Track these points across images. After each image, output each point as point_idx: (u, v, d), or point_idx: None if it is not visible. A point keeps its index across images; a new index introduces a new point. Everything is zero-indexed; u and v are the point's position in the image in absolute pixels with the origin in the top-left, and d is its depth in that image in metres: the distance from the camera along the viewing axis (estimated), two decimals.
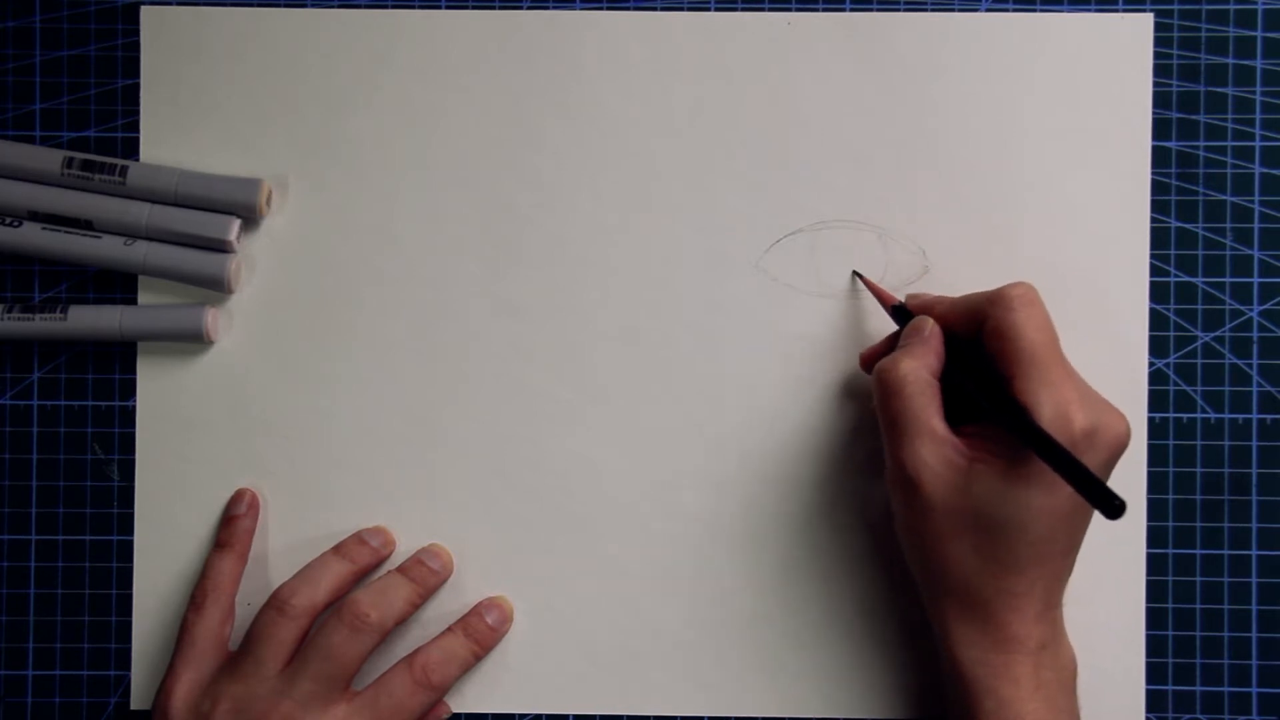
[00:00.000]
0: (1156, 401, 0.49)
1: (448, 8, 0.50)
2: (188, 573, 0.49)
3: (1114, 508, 0.38)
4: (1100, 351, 0.49)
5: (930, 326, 0.45)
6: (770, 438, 0.49)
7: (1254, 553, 0.49)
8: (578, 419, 0.49)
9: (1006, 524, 0.42)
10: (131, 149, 0.50)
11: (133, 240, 0.48)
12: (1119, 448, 0.43)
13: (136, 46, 0.50)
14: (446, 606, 0.49)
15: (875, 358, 0.47)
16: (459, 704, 0.49)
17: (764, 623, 0.49)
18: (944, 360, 0.45)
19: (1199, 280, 0.49)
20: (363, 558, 0.48)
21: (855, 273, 0.49)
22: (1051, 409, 0.41)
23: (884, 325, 0.48)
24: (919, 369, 0.44)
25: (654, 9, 0.49)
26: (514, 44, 0.49)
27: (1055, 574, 0.43)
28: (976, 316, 0.44)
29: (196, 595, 0.48)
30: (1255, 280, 0.49)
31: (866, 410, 0.49)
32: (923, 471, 0.43)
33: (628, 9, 0.49)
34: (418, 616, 0.49)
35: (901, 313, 0.47)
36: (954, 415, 0.44)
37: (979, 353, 0.44)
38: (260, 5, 0.50)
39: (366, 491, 0.49)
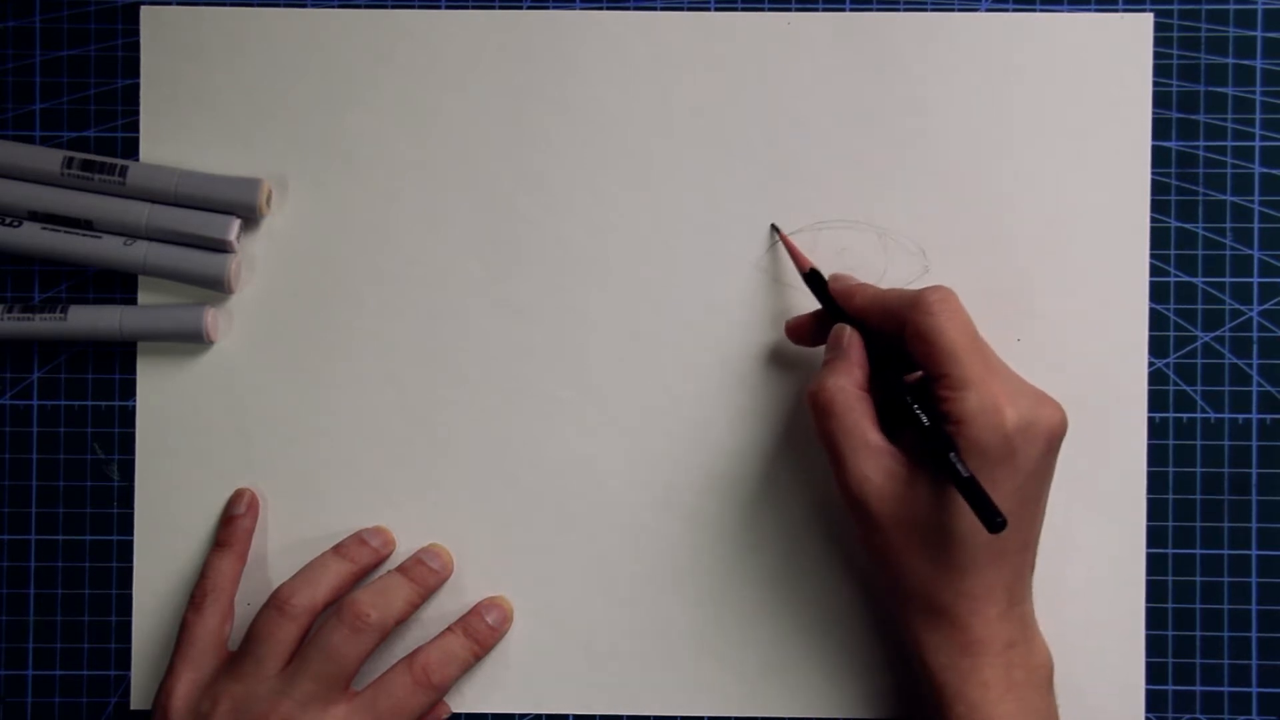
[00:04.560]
0: (1156, 401, 0.49)
1: (448, 8, 0.50)
2: (188, 573, 0.49)
3: (995, 524, 0.39)
4: (1100, 351, 0.49)
5: (848, 336, 0.45)
6: (770, 438, 0.49)
7: (1254, 553, 0.49)
8: (577, 419, 0.49)
9: (952, 527, 0.42)
10: (131, 149, 0.50)
11: (133, 240, 0.48)
12: (1056, 437, 0.43)
13: (136, 46, 0.50)
14: (446, 606, 0.49)
15: (801, 328, 0.48)
16: (459, 704, 0.49)
17: (764, 623, 0.49)
18: (868, 369, 0.45)
19: (1199, 280, 0.49)
20: (363, 558, 0.48)
21: (773, 226, 0.49)
22: (980, 408, 0.41)
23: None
24: (845, 385, 0.44)
25: (654, 9, 0.49)
26: (514, 44, 0.49)
27: (1014, 571, 0.43)
28: (896, 318, 0.44)
29: (196, 595, 0.48)
30: (1255, 280, 0.49)
31: None
32: (866, 487, 0.43)
33: (628, 9, 0.49)
34: (418, 616, 0.49)
35: (814, 279, 0.47)
36: (890, 421, 0.44)
37: (897, 353, 0.44)
38: (260, 5, 0.50)
39: (366, 491, 0.49)
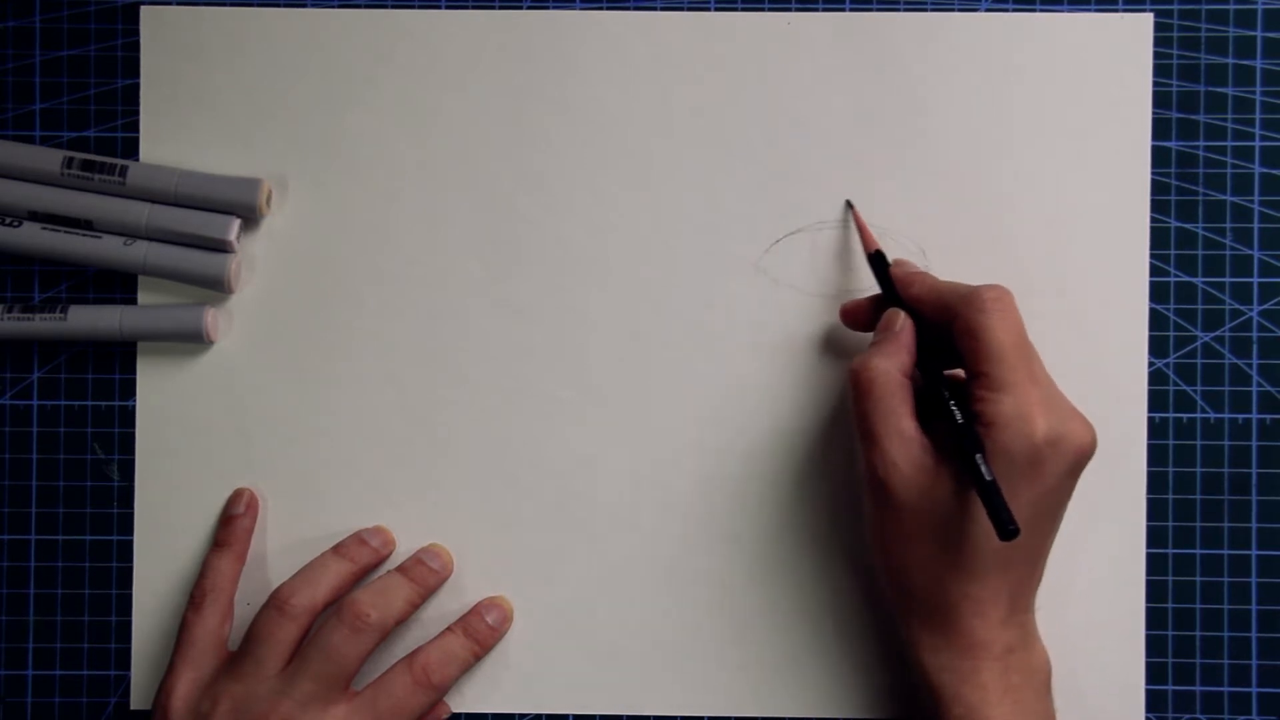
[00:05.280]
0: (1156, 401, 0.49)
1: (448, 8, 0.50)
2: (188, 573, 0.49)
3: (1007, 532, 0.40)
4: (1100, 351, 0.49)
5: (901, 321, 0.45)
6: (770, 438, 0.49)
7: (1254, 553, 0.49)
8: (577, 419, 0.49)
9: (966, 529, 0.42)
10: (131, 149, 0.50)
11: (133, 240, 0.48)
12: (1083, 457, 0.43)
13: (136, 46, 0.50)
14: (446, 606, 0.49)
15: (857, 311, 0.47)
16: (459, 704, 0.49)
17: (764, 623, 0.49)
18: (916, 357, 0.45)
19: (1199, 280, 0.49)
20: (363, 558, 0.48)
21: (848, 202, 0.49)
22: (1014, 414, 0.41)
23: None
24: (890, 369, 0.44)
25: (654, 9, 0.49)
26: (514, 44, 0.49)
27: (1021, 580, 0.43)
28: (949, 310, 0.44)
29: (196, 595, 0.48)
30: (1255, 280, 0.49)
31: None
32: (891, 474, 0.43)
33: (628, 9, 0.49)
34: (418, 616, 0.49)
35: (877, 260, 0.47)
36: (926, 412, 0.44)
37: (945, 346, 0.44)
38: (260, 5, 0.50)
39: (366, 491, 0.49)
